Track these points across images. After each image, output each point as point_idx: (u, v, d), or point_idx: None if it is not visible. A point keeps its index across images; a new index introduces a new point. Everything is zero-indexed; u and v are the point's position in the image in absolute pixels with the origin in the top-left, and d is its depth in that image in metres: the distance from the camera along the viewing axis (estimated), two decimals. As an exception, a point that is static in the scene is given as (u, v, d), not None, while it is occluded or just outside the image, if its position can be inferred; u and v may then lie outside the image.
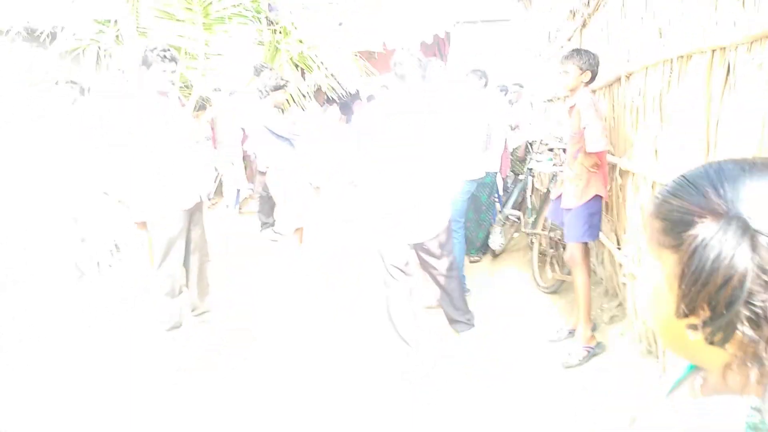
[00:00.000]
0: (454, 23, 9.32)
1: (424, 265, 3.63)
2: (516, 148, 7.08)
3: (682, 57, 2.65)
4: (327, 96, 7.73)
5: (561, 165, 4.36)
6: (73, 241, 4.48)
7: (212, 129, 8.00)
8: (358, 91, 8.02)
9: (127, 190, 3.99)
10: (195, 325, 4.09)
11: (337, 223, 5.91)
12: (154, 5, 5.70)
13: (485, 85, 5.67)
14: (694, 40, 2.46)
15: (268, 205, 6.83)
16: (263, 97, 5.03)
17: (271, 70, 5.76)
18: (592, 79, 3.46)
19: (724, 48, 2.23)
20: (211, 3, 5.96)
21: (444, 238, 3.55)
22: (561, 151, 4.58)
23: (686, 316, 0.64)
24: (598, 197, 3.47)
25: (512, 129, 7.24)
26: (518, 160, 7.08)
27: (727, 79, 2.25)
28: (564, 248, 4.54)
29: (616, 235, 3.89)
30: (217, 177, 7.62)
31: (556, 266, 4.63)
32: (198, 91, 6.21)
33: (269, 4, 6.92)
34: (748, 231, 0.59)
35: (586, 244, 3.56)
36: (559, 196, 3.71)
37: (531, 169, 5.26)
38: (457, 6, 9.90)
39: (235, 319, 4.21)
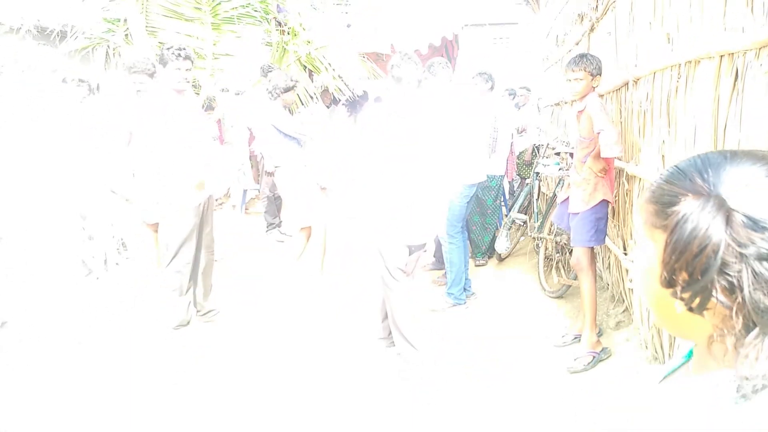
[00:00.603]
0: (462, 26, 9.32)
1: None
2: (522, 152, 7.07)
3: (690, 62, 2.64)
4: (333, 96, 7.75)
5: (568, 169, 4.35)
6: (80, 238, 4.50)
7: (219, 129, 8.03)
8: (366, 92, 8.03)
9: (139, 189, 4.02)
10: (200, 324, 4.11)
11: (340, 221, 5.91)
12: (163, 4, 5.73)
13: (492, 88, 5.66)
14: (703, 45, 2.45)
15: (274, 205, 6.85)
16: (273, 98, 5.04)
17: (279, 70, 5.78)
18: (598, 83, 3.46)
19: (733, 54, 2.23)
20: (219, 3, 5.99)
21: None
22: (568, 155, 4.57)
23: (669, 285, 0.72)
24: (605, 202, 3.46)
25: (519, 132, 7.23)
26: (525, 164, 7.07)
27: (735, 85, 2.24)
28: (570, 253, 4.54)
29: (623, 240, 3.88)
30: (231, 176, 7.64)
31: (562, 271, 4.62)
32: (206, 91, 6.24)
33: (278, 6, 6.94)
34: (723, 207, 0.66)
35: (592, 248, 3.55)
36: (566, 200, 3.71)
37: (538, 173, 5.25)
38: (465, 9, 9.91)
39: (239, 318, 4.21)
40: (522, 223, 5.63)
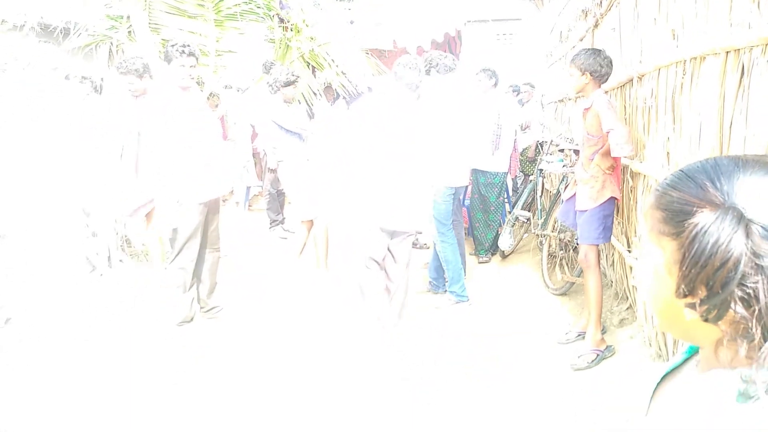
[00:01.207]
0: (465, 22, 9.30)
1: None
2: (526, 149, 7.06)
3: (695, 58, 2.62)
4: (336, 93, 7.75)
5: (572, 166, 4.34)
6: (84, 235, 4.51)
7: (222, 126, 8.03)
8: (370, 88, 8.04)
9: (139, 186, 4.02)
10: (202, 321, 4.11)
11: (341, 215, 5.93)
12: (166, 1, 5.73)
13: (495, 84, 5.65)
14: (708, 41, 2.44)
15: (277, 202, 6.85)
16: (274, 92, 5.05)
17: (281, 66, 5.78)
18: (605, 79, 3.44)
19: (739, 50, 2.21)
20: (222, 0, 5.99)
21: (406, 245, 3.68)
22: (572, 152, 4.56)
23: (685, 296, 0.71)
24: (612, 199, 3.46)
25: (522, 129, 7.21)
26: (528, 161, 7.06)
27: (741, 81, 2.22)
28: (574, 250, 4.53)
29: (627, 237, 3.87)
30: (239, 174, 7.65)
31: (566, 268, 4.61)
32: (209, 87, 6.24)
33: (281, 2, 6.94)
34: (742, 220, 0.66)
35: (598, 246, 3.54)
36: (571, 198, 3.69)
37: (541, 169, 5.24)
38: (467, 5, 9.88)
39: (242, 315, 4.22)
40: (525, 220, 5.62)
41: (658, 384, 0.89)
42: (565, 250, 4.72)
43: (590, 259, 3.49)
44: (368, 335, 3.79)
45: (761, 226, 0.65)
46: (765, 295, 0.64)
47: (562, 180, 4.81)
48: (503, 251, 5.67)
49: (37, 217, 4.20)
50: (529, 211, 5.62)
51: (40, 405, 3.02)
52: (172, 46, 3.70)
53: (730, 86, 2.30)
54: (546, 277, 4.78)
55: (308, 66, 7.26)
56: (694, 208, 0.69)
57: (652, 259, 0.77)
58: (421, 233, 3.65)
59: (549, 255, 4.89)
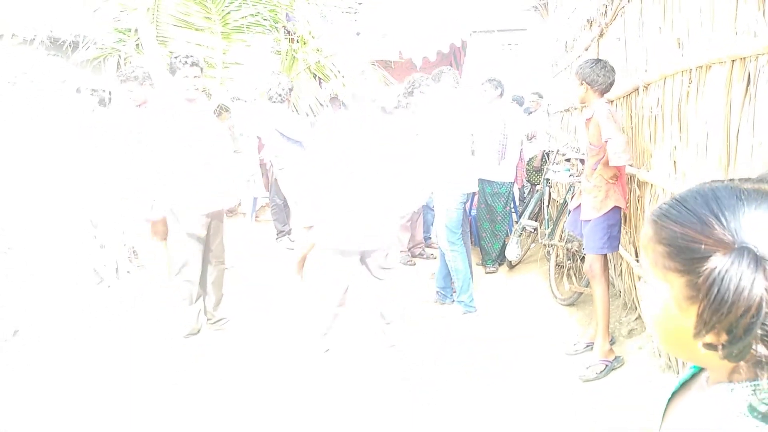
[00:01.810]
0: (471, 32, 9.33)
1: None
2: (532, 158, 7.05)
3: (701, 67, 2.61)
4: (343, 103, 7.77)
5: (578, 175, 4.32)
6: (92, 247, 4.53)
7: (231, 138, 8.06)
8: (376, 99, 8.07)
9: (148, 192, 4.04)
10: (209, 332, 4.11)
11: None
12: (173, 14, 5.78)
13: (501, 94, 5.65)
14: (714, 50, 2.43)
15: (284, 213, 6.86)
16: (278, 101, 5.09)
17: (279, 74, 5.81)
18: (608, 89, 3.43)
19: (744, 58, 2.20)
20: (229, 12, 6.04)
21: (383, 259, 3.64)
22: (578, 161, 4.55)
23: (702, 336, 0.69)
24: (617, 209, 3.44)
25: (528, 139, 7.21)
26: (535, 170, 7.04)
27: (747, 89, 2.21)
28: (581, 260, 4.50)
29: (635, 247, 3.84)
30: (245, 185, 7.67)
31: (574, 278, 4.58)
32: (216, 99, 6.28)
33: (287, 14, 6.99)
34: (760, 262, 0.64)
35: (605, 255, 3.52)
36: (578, 207, 3.68)
37: (548, 179, 5.23)
38: (473, 15, 9.91)
39: (248, 325, 4.22)
40: (532, 230, 5.60)
41: (670, 399, 0.88)
42: (573, 260, 4.69)
43: (595, 268, 3.47)
44: (368, 336, 3.83)
45: None
46: None
47: (569, 189, 4.80)
48: (510, 261, 5.64)
49: (44, 229, 4.22)
50: (536, 221, 5.60)
51: (41, 405, 3.04)
52: (176, 57, 3.74)
53: (736, 95, 2.29)
54: (553, 288, 4.76)
55: (314, 77, 7.30)
56: (702, 247, 0.68)
57: (658, 292, 0.75)
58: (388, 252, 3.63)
59: (556, 265, 4.87)
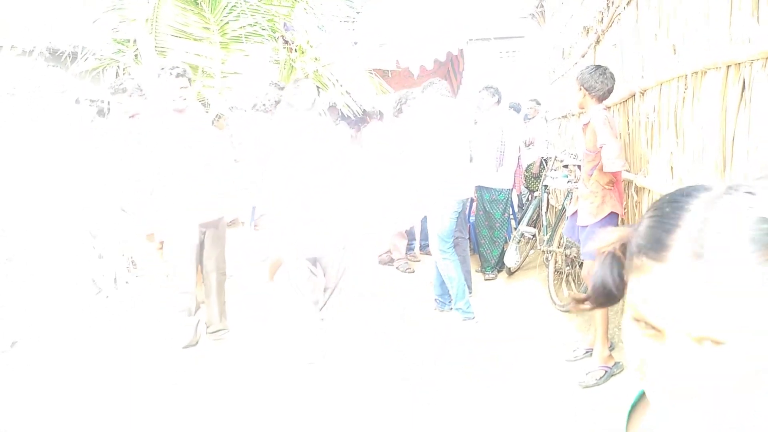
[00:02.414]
0: (468, 40, 9.37)
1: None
2: (530, 165, 7.06)
3: (696, 73, 2.63)
4: (341, 112, 7.80)
5: (576, 181, 4.33)
6: (90, 257, 4.53)
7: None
8: (374, 107, 8.08)
9: (140, 203, 4.06)
10: (209, 342, 4.10)
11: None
12: (172, 25, 5.81)
13: (498, 101, 5.68)
14: (709, 56, 2.45)
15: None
16: (260, 111, 5.12)
17: (275, 84, 5.83)
18: (606, 95, 3.45)
19: (739, 64, 2.22)
20: (227, 23, 6.07)
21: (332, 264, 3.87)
22: (576, 167, 4.56)
23: None
24: (614, 214, 3.44)
25: (527, 145, 7.23)
26: (533, 177, 7.05)
27: (742, 95, 2.22)
28: (580, 266, 4.50)
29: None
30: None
31: (573, 284, 4.58)
32: (215, 109, 6.29)
33: (285, 24, 7.02)
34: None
35: (602, 261, 3.51)
36: (575, 213, 3.69)
37: (546, 185, 5.24)
38: (470, 23, 9.96)
39: (247, 334, 4.21)
40: (531, 237, 5.60)
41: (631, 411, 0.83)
42: (572, 266, 4.69)
43: (594, 274, 3.47)
44: (367, 338, 3.87)
45: None
46: None
47: (567, 195, 4.81)
48: (509, 268, 5.64)
49: (43, 239, 4.22)
50: (534, 227, 5.60)
51: (39, 414, 3.03)
52: (162, 68, 3.77)
53: (731, 100, 2.30)
54: (552, 294, 4.75)
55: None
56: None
57: None
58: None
59: (555, 271, 4.87)
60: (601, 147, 3.27)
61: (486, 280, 5.62)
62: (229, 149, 4.80)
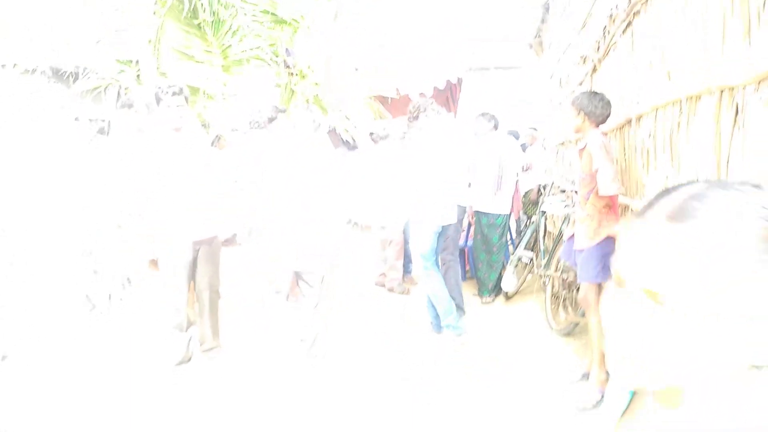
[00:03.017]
0: (467, 69, 9.50)
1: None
2: (528, 191, 7.09)
3: (690, 98, 2.67)
4: (341, 138, 7.86)
5: (573, 206, 4.35)
6: (85, 273, 4.51)
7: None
8: (372, 133, 8.16)
9: (138, 223, 4.06)
10: (202, 360, 4.06)
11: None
12: (174, 47, 5.89)
13: (495, 127, 5.74)
14: (702, 80, 2.49)
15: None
16: (253, 128, 5.16)
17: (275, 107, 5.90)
18: (604, 120, 3.49)
19: (732, 88, 2.25)
20: (230, 46, 6.16)
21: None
22: (573, 192, 4.59)
23: None
24: (610, 238, 3.45)
25: (524, 170, 7.27)
26: (531, 203, 7.08)
27: (736, 118, 2.26)
28: (577, 290, 4.49)
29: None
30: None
31: (570, 308, 4.57)
32: (215, 130, 6.35)
33: (287, 49, 7.13)
34: None
35: (599, 285, 3.52)
36: (572, 237, 3.70)
37: (544, 210, 5.26)
38: (469, 53, 10.11)
39: (241, 347, 4.17)
40: (528, 261, 5.60)
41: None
42: (569, 290, 4.68)
43: (590, 298, 3.46)
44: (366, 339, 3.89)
45: None
46: None
47: (564, 220, 4.83)
48: (507, 292, 5.63)
49: (37, 255, 4.21)
50: (532, 251, 5.61)
51: (40, 405, 3.00)
52: (159, 87, 3.80)
53: (725, 124, 2.34)
54: (550, 318, 4.73)
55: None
56: None
57: None
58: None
59: (552, 295, 4.86)
60: (596, 171, 3.30)
61: (483, 303, 5.60)
62: (230, 169, 4.82)
